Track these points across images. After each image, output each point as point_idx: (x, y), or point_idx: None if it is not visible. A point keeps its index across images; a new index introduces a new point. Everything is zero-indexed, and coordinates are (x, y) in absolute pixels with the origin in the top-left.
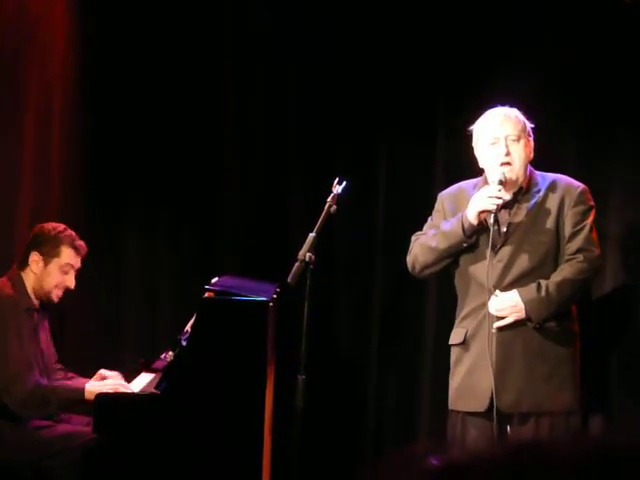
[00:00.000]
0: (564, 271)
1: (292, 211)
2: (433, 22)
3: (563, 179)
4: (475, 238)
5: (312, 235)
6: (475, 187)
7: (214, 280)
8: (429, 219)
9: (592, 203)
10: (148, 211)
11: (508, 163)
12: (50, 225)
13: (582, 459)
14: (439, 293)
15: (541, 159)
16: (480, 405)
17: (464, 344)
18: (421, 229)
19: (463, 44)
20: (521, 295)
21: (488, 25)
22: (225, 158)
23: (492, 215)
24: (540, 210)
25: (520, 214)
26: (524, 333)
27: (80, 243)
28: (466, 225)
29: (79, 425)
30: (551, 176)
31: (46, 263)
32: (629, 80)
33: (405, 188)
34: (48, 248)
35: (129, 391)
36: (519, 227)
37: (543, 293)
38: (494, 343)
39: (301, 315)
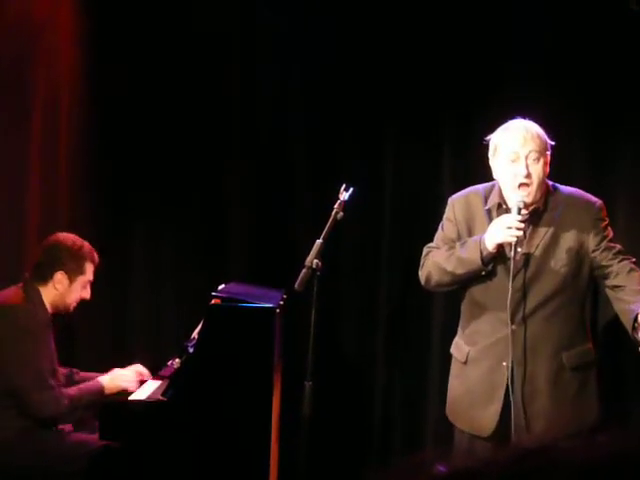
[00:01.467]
0: (631, 281)
1: (299, 218)
2: (441, 29)
3: (579, 195)
4: (492, 265)
5: (319, 242)
6: (486, 197)
7: (221, 287)
8: (440, 227)
9: (608, 219)
10: (155, 217)
11: (526, 184)
12: (69, 240)
13: (591, 464)
14: (445, 298)
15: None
16: (484, 431)
17: (465, 364)
18: (427, 235)
19: (470, 50)
20: None
21: (494, 30)
22: (232, 164)
23: (513, 246)
24: (558, 231)
25: (537, 237)
26: (546, 362)
27: (96, 256)
28: (485, 254)
29: (85, 432)
30: (566, 191)
31: (71, 281)
32: (635, 85)
33: (411, 193)
34: (73, 266)
35: (146, 378)
36: (536, 252)
37: None
38: (517, 376)
39: (308, 321)
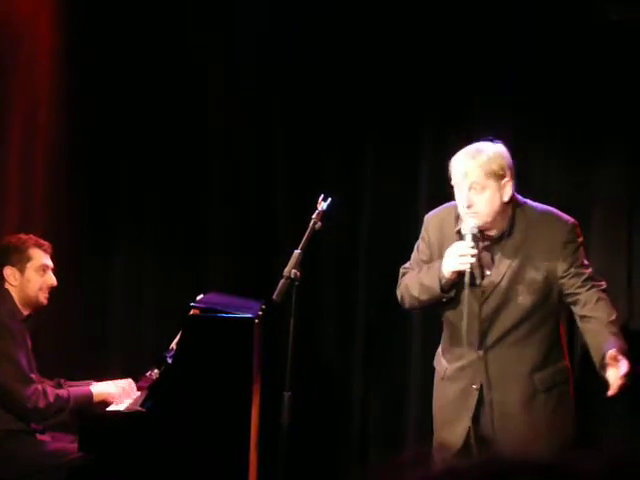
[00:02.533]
0: (599, 311)
1: (277, 228)
2: (421, 39)
3: (551, 215)
4: (455, 291)
5: (297, 252)
6: (457, 214)
7: (200, 297)
8: (416, 246)
9: (581, 239)
10: (134, 227)
11: (473, 212)
12: (11, 237)
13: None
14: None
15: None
16: (455, 444)
17: (443, 379)
18: (406, 245)
19: (449, 63)
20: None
21: (474, 41)
22: (211, 173)
23: (467, 273)
24: (527, 256)
25: (504, 264)
26: (517, 386)
27: (44, 242)
28: (443, 282)
29: (64, 442)
30: (538, 211)
31: (21, 272)
32: (615, 96)
33: (390, 203)
34: (17, 257)
35: (133, 395)
36: (504, 279)
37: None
38: (487, 400)
39: (287, 332)
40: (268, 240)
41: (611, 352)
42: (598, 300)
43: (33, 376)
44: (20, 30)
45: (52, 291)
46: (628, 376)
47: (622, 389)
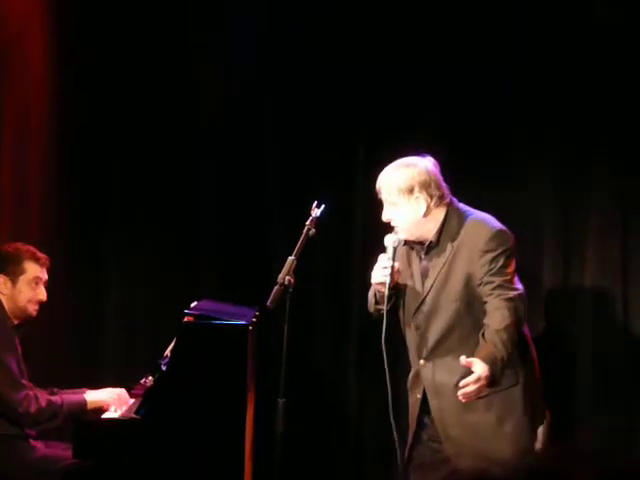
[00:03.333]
0: (492, 319)
1: (271, 235)
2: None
3: (478, 222)
4: (392, 303)
5: (291, 258)
6: None
7: (193, 304)
8: None
9: (505, 247)
10: (127, 235)
11: (394, 226)
12: (7, 246)
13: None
14: None
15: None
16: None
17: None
18: None
19: (440, 73)
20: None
21: (465, 46)
22: (203, 180)
23: (387, 285)
24: (452, 264)
25: (433, 274)
26: (455, 394)
27: (41, 255)
28: (377, 295)
29: (58, 449)
30: (470, 219)
31: (14, 282)
32: (604, 99)
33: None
34: (12, 267)
35: (127, 402)
36: (432, 288)
37: (497, 354)
38: (431, 409)
39: (281, 338)
40: (262, 247)
41: (461, 359)
42: (497, 309)
43: (24, 382)
44: (13, 32)
45: (41, 305)
46: (476, 382)
47: (469, 397)
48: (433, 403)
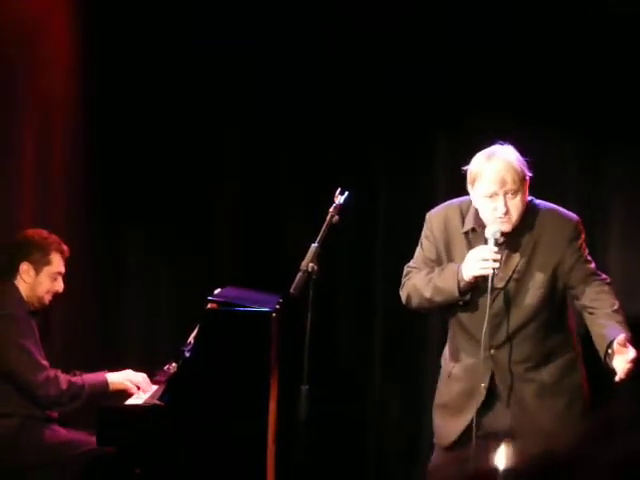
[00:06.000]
0: (602, 301)
1: (294, 222)
2: (432, 44)
3: (556, 213)
4: (470, 294)
5: (314, 245)
6: (463, 215)
7: (217, 291)
8: (419, 245)
9: (584, 235)
10: (148, 224)
11: (506, 218)
12: (34, 232)
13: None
14: None
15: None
16: (442, 440)
17: (449, 377)
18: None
19: (460, 62)
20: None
21: (481, 42)
22: (225, 168)
23: (490, 278)
24: (534, 253)
25: (513, 262)
26: (529, 381)
27: (65, 247)
28: (462, 284)
29: (80, 435)
30: (543, 209)
31: (37, 272)
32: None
33: (405, 196)
34: (38, 257)
35: (149, 389)
36: (513, 276)
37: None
38: (502, 398)
39: (304, 325)
40: (285, 233)
41: (619, 339)
42: (601, 292)
43: (45, 362)
44: (34, 32)
45: (57, 296)
46: (635, 361)
47: (629, 374)
48: (506, 392)
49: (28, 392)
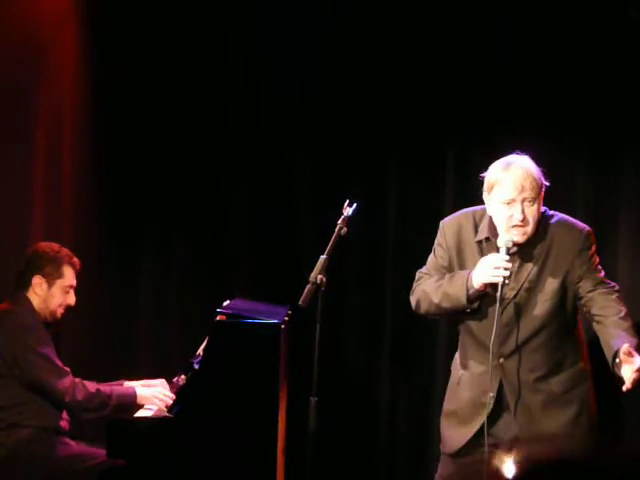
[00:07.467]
0: (610, 309)
1: (303, 234)
2: (445, 51)
3: (566, 224)
4: (479, 303)
5: (323, 257)
6: (476, 224)
7: (226, 303)
8: (432, 253)
9: (595, 246)
10: (160, 233)
11: (522, 226)
12: (46, 246)
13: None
14: None
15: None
16: (448, 447)
17: (458, 385)
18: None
19: (473, 69)
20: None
21: (496, 50)
22: (236, 180)
23: (500, 286)
24: (545, 264)
25: (524, 272)
26: (537, 391)
27: (76, 260)
28: (471, 292)
29: (89, 448)
30: (554, 220)
31: (50, 285)
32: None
33: (415, 208)
34: (50, 270)
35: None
36: (524, 286)
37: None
38: (510, 406)
39: (313, 337)
40: (294, 246)
41: (624, 348)
42: (608, 300)
43: (67, 368)
44: (45, 41)
45: (69, 309)
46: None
47: (636, 383)
48: (514, 400)
49: (55, 399)
